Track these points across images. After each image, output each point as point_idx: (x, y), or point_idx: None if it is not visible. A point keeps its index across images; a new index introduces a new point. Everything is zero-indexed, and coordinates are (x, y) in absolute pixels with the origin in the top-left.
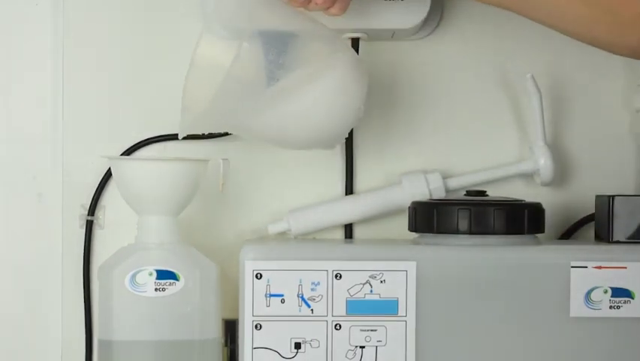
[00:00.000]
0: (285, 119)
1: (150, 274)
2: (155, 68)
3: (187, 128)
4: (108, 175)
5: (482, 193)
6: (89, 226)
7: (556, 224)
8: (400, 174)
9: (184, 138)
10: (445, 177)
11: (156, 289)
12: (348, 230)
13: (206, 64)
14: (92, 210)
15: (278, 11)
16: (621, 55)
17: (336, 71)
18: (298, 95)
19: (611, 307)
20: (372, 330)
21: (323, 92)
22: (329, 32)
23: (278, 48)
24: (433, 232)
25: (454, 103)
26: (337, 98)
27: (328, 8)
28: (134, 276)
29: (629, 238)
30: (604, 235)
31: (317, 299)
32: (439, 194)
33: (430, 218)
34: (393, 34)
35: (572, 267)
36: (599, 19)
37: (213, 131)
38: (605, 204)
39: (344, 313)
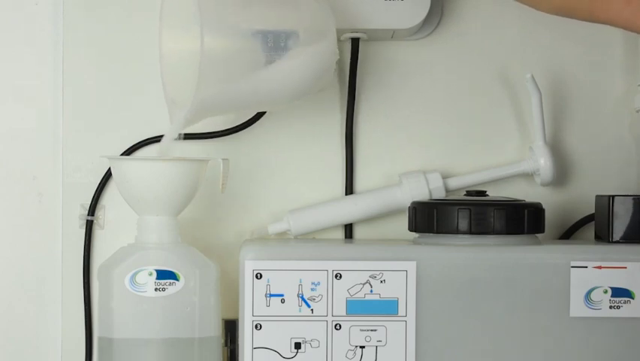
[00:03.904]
0: (272, 83)
1: (150, 274)
2: (155, 68)
3: (181, 125)
4: (108, 175)
5: (482, 193)
6: (89, 226)
7: (556, 224)
8: (400, 174)
9: (183, 138)
10: (445, 177)
11: (156, 289)
12: (348, 230)
13: (176, 57)
14: (92, 210)
15: (268, 9)
16: (546, 12)
17: (321, 44)
18: (287, 65)
19: (611, 307)
20: (372, 330)
21: (310, 58)
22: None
23: (274, 45)
24: (433, 232)
25: (454, 103)
26: (322, 61)
27: None
28: (134, 276)
29: (629, 238)
30: (604, 235)
31: (317, 299)
32: (439, 194)
33: (430, 218)
34: (393, 34)
35: (572, 267)
36: None
37: (205, 118)
38: (605, 204)
39: (344, 314)
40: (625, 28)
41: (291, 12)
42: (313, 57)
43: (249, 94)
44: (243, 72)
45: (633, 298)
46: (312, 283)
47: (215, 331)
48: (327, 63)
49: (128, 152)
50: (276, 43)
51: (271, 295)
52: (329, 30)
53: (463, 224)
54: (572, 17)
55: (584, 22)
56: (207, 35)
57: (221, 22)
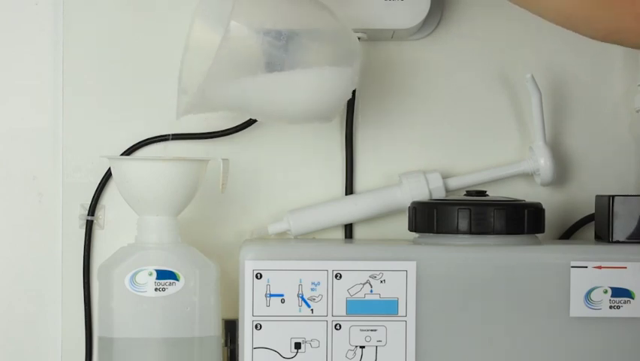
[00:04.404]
0: (276, 104)
1: (150, 274)
2: (155, 68)
3: (183, 111)
4: (108, 175)
5: (482, 193)
6: (89, 226)
7: (557, 224)
8: (400, 174)
9: (184, 138)
10: (445, 177)
11: (156, 289)
12: (348, 230)
13: (200, 46)
14: (92, 210)
15: (286, 8)
16: (593, 36)
17: (343, 68)
18: (287, 83)
19: (611, 307)
20: (372, 330)
21: (319, 75)
22: (333, 26)
23: (281, 47)
24: (433, 232)
25: (454, 103)
26: (333, 81)
27: None
28: (134, 276)
29: (629, 238)
30: (604, 235)
31: (317, 299)
32: (439, 194)
33: (430, 218)
34: (393, 34)
35: (572, 267)
36: None
37: (210, 112)
38: (605, 204)
39: (344, 314)
40: None
41: (320, 25)
42: (333, 77)
43: (257, 96)
44: (257, 69)
45: (633, 298)
46: (312, 283)
47: (215, 331)
48: (344, 89)
49: (128, 152)
50: (296, 48)
51: (271, 295)
52: (353, 57)
53: (463, 224)
54: (620, 43)
55: None
56: (234, 21)
57: (252, 15)
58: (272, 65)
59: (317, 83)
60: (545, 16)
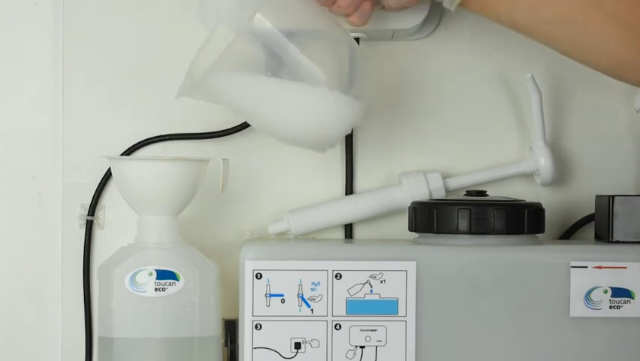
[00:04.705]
0: (276, 113)
1: (150, 274)
2: (155, 68)
3: (184, 91)
4: (108, 175)
5: (482, 193)
6: (89, 226)
7: (557, 224)
8: (400, 174)
9: (184, 138)
10: (445, 177)
11: (156, 289)
12: (348, 230)
13: (220, 42)
14: (92, 210)
15: (291, 10)
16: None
17: (351, 101)
18: (290, 93)
19: (611, 307)
20: (372, 330)
21: (325, 96)
22: (339, 36)
23: (295, 55)
24: (433, 232)
25: (454, 103)
26: (338, 108)
27: (349, 15)
28: (134, 276)
29: (629, 238)
30: (604, 235)
31: (317, 299)
32: (439, 194)
33: (430, 218)
34: (393, 34)
35: (572, 267)
36: (625, 41)
37: (208, 101)
38: (605, 204)
39: (344, 314)
40: None
41: (345, 55)
42: (339, 104)
43: (257, 98)
44: (267, 70)
45: (633, 298)
46: (312, 283)
47: (215, 331)
48: (346, 120)
49: (128, 152)
50: (310, 61)
51: (271, 295)
52: (365, 95)
53: (463, 224)
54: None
55: None
56: (260, 13)
57: (277, 17)
58: (280, 70)
59: (320, 103)
60: (595, 64)
